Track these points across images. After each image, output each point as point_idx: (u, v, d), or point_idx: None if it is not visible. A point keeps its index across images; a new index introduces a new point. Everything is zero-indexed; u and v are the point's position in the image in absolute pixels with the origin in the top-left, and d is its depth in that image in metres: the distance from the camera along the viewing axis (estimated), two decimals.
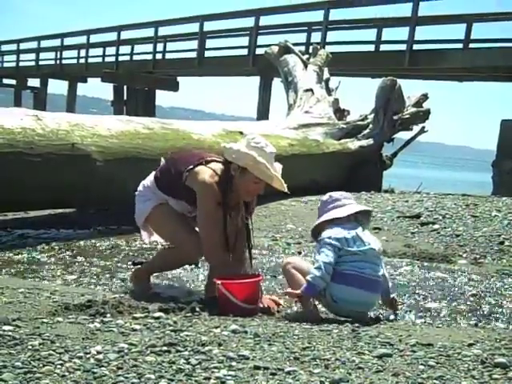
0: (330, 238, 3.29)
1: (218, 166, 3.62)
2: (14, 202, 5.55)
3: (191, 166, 3.59)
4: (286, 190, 3.65)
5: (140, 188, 3.89)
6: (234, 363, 2.27)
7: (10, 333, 2.47)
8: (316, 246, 3.45)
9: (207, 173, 3.56)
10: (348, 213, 3.43)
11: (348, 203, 3.50)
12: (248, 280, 3.40)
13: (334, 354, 2.44)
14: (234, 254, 3.68)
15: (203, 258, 3.74)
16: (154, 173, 3.86)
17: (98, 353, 2.29)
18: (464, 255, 5.63)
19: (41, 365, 2.14)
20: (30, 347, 2.32)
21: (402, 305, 3.91)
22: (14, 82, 36.34)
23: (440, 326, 3.50)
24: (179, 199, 3.71)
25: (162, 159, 3.92)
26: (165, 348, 2.39)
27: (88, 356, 2.26)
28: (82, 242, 5.41)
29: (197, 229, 3.65)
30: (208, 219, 3.54)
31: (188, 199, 3.64)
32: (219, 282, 3.33)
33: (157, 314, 3.00)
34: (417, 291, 4.25)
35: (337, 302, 3.26)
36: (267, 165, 3.52)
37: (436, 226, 6.59)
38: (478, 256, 5.59)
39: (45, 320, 2.76)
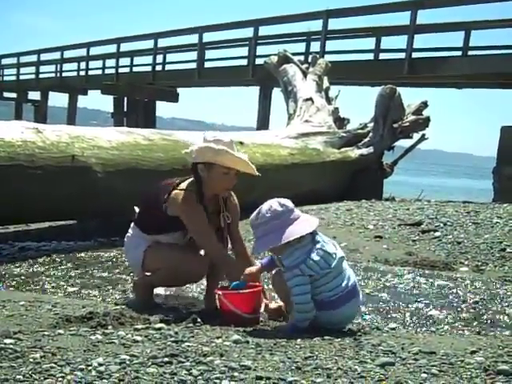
0: (300, 268, 3.00)
1: (188, 182, 3.65)
2: (14, 214, 5.56)
3: (166, 196, 3.60)
4: (257, 173, 3.65)
5: (125, 240, 3.90)
6: (236, 373, 2.26)
7: (11, 346, 2.46)
8: (286, 273, 3.07)
9: (182, 195, 3.57)
10: (312, 228, 3.10)
11: (297, 211, 3.18)
12: (248, 290, 3.39)
13: (336, 363, 2.43)
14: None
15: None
16: (132, 224, 3.85)
17: (100, 365, 2.28)
18: (466, 262, 5.62)
19: (42, 378, 2.13)
20: (31, 360, 2.31)
21: (404, 313, 3.91)
22: (14, 95, 36.45)
23: (442, 333, 3.49)
24: (173, 231, 3.68)
25: (136, 208, 3.88)
26: (166, 359, 2.38)
27: (90, 368, 2.25)
28: (82, 254, 5.41)
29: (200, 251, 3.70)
30: (204, 233, 3.55)
31: (182, 227, 3.62)
32: (220, 292, 3.34)
33: (158, 325, 2.99)
34: (419, 299, 4.24)
35: (330, 326, 3.09)
36: (228, 150, 3.53)
37: (437, 234, 6.58)
38: (479, 263, 5.58)
39: (46, 332, 2.75)
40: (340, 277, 3.09)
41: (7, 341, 2.53)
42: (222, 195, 3.70)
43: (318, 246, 3.07)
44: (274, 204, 3.12)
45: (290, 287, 3.04)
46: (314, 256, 3.02)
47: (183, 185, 3.64)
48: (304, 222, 3.12)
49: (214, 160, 3.54)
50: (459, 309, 4.04)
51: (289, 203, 3.15)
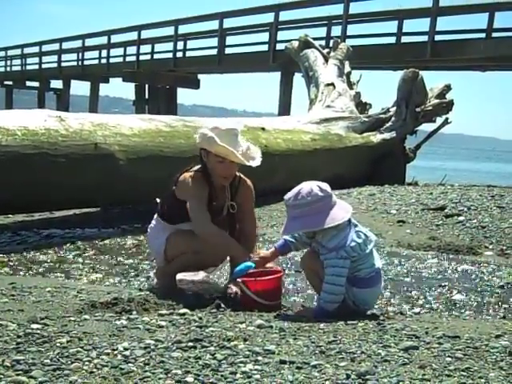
0: (345, 250, 3.04)
1: (198, 167, 3.67)
2: (39, 202, 5.62)
3: (176, 179, 3.65)
4: (248, 164, 3.56)
5: (148, 230, 3.93)
6: (259, 358, 2.27)
7: (38, 331, 2.50)
8: (327, 254, 3.08)
9: (185, 175, 3.62)
10: (349, 214, 3.15)
11: (334, 197, 3.20)
12: (269, 277, 3.38)
13: (359, 347, 2.43)
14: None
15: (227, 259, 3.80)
16: (155, 215, 3.89)
17: (125, 349, 2.31)
18: (490, 247, 5.58)
19: (69, 362, 2.17)
20: (58, 345, 2.34)
21: (428, 298, 3.89)
22: (36, 84, 36.73)
23: (467, 318, 3.47)
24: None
25: (158, 200, 3.91)
26: (191, 344, 2.40)
27: (115, 352, 2.28)
28: (106, 241, 5.46)
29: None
30: (197, 212, 3.53)
31: None
32: (239, 279, 3.32)
33: (182, 311, 3.02)
34: (443, 284, 4.22)
35: (358, 306, 3.17)
36: (216, 138, 3.46)
37: (461, 218, 6.52)
38: (504, 247, 5.53)
39: (72, 318, 2.79)
40: (373, 257, 3.19)
41: (34, 326, 2.57)
42: (223, 183, 3.67)
43: (357, 228, 3.16)
44: (314, 188, 3.13)
45: (328, 267, 3.07)
46: (357, 238, 3.10)
47: (193, 169, 3.67)
48: (341, 207, 3.17)
49: (207, 147, 3.54)
50: (484, 293, 4.02)
51: (328, 188, 3.17)
